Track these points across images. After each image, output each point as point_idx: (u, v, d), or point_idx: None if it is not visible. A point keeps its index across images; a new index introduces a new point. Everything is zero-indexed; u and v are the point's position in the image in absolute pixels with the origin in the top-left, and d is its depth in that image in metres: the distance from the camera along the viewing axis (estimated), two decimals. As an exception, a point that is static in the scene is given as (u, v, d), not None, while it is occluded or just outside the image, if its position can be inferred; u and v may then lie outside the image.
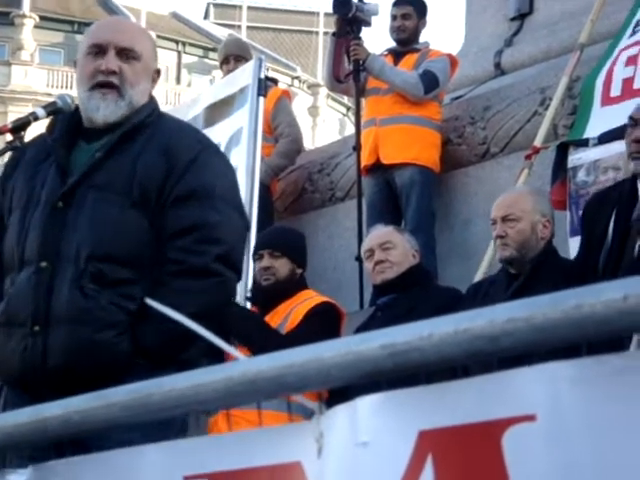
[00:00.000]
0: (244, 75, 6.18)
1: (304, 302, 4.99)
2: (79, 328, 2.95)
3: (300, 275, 5.16)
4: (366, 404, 1.33)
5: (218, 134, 5.86)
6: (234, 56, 7.26)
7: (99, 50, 3.16)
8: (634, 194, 4.13)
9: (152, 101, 3.27)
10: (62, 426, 1.58)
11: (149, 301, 1.86)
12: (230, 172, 3.28)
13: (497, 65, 7.40)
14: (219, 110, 6.14)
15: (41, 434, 1.58)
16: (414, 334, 1.24)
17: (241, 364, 1.40)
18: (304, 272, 5.22)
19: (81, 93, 3.20)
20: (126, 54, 3.16)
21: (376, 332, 1.29)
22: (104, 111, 3.14)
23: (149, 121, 3.18)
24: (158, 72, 3.31)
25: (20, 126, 3.62)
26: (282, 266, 5.06)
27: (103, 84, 3.14)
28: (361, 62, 6.67)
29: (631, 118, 4.27)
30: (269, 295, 5.05)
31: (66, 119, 3.23)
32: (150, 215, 3.04)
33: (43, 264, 3.03)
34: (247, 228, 3.26)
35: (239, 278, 3.19)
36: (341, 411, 1.36)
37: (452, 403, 1.26)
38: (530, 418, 1.19)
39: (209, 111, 6.21)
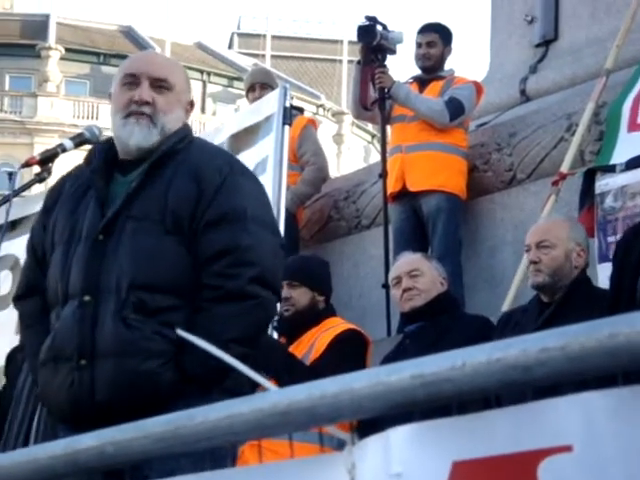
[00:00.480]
0: (269, 104, 6.20)
1: (328, 330, 4.97)
2: (124, 360, 2.97)
3: (325, 302, 5.13)
4: (399, 435, 1.32)
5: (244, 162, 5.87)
6: (260, 84, 7.29)
7: (133, 80, 3.22)
8: None
9: (185, 127, 3.31)
10: (96, 458, 1.58)
11: (180, 332, 1.86)
12: (260, 192, 3.29)
13: (522, 92, 7.39)
14: (244, 138, 6.16)
15: (75, 466, 1.58)
16: (445, 364, 1.23)
17: (272, 395, 1.39)
18: (328, 299, 5.19)
19: (115, 122, 3.24)
20: (159, 84, 3.21)
21: (407, 362, 1.29)
22: (137, 136, 3.18)
23: (180, 147, 3.21)
24: (192, 103, 3.35)
25: (48, 158, 3.66)
26: (301, 296, 5.04)
27: (136, 113, 3.18)
28: (386, 90, 6.68)
29: None
30: (291, 325, 5.03)
31: (103, 150, 3.27)
32: (186, 241, 3.07)
33: (86, 298, 3.05)
34: (282, 246, 3.25)
35: (279, 297, 3.20)
36: (373, 442, 1.36)
37: (486, 434, 1.25)
38: (566, 449, 1.18)
39: (233, 139, 6.23)
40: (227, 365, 1.48)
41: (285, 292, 5.00)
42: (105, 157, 3.24)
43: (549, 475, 1.20)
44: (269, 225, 3.18)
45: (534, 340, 1.18)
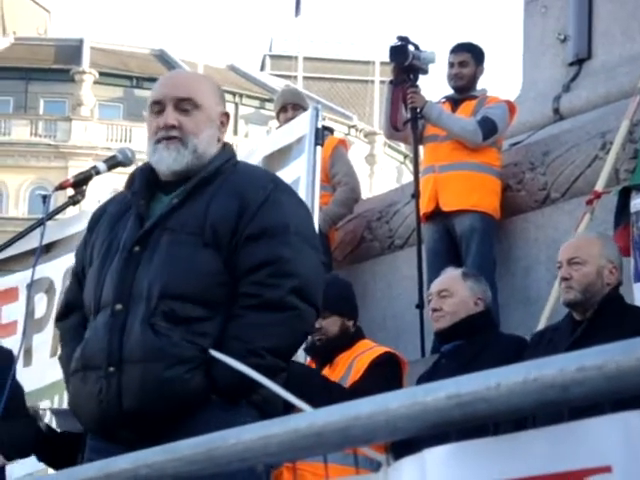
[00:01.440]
0: (301, 125, 6.20)
1: (366, 352, 4.94)
2: (151, 366, 2.96)
3: (354, 326, 5.11)
4: (435, 456, 1.31)
5: None
6: (292, 105, 7.30)
7: (158, 106, 3.22)
8: None
9: (228, 149, 3.31)
10: (129, 480, 1.58)
11: (213, 352, 1.85)
12: (303, 210, 3.30)
13: (556, 110, 7.37)
14: (277, 160, 6.16)
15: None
16: (481, 384, 1.21)
17: (307, 416, 1.38)
18: (357, 322, 5.17)
19: (148, 150, 3.26)
20: (184, 105, 3.19)
21: (442, 382, 1.27)
22: (167, 160, 3.19)
23: (224, 168, 3.22)
24: (227, 115, 3.34)
25: (81, 180, 3.66)
26: (331, 325, 5.01)
27: (165, 138, 3.19)
28: (418, 110, 6.68)
29: None
30: (324, 352, 5.02)
31: (144, 173, 3.28)
32: (224, 255, 3.07)
33: (118, 306, 3.06)
34: (324, 264, 3.24)
35: (317, 312, 3.18)
36: (409, 463, 1.34)
37: (523, 454, 1.23)
38: (606, 470, 1.16)
39: (267, 161, 6.23)
40: (257, 381, 1.47)
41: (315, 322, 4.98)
42: (146, 179, 3.26)
43: (588, 496, 1.18)
44: (311, 241, 3.17)
45: (571, 359, 1.16)
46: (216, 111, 3.28)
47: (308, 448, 1.37)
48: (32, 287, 6.93)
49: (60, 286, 6.67)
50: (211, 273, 3.06)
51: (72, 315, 3.29)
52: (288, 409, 2.49)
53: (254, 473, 1.55)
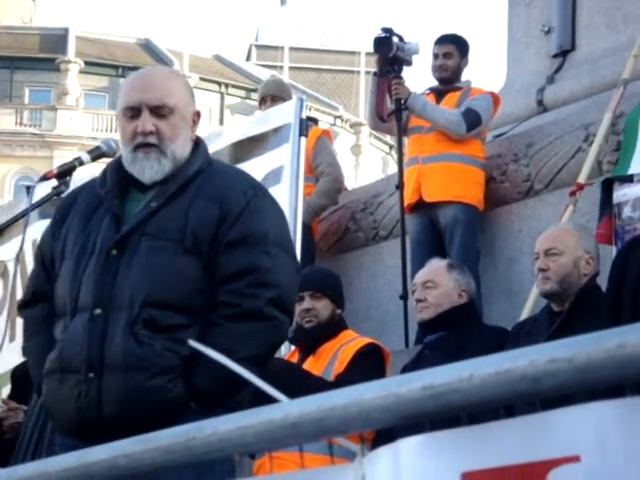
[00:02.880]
0: (280, 115, 6.18)
1: (350, 343, 4.96)
2: (133, 375, 2.97)
3: (340, 316, 5.15)
4: (408, 446, 1.32)
5: (249, 172, 5.83)
6: (271, 96, 7.30)
7: (133, 113, 3.19)
8: None
9: (202, 148, 3.30)
10: (108, 470, 1.59)
11: (192, 342, 1.86)
12: (281, 216, 3.31)
13: (539, 102, 7.39)
14: (248, 147, 6.11)
15: (86, 478, 1.59)
16: (454, 375, 1.23)
17: (282, 407, 1.40)
18: (342, 312, 5.21)
19: (125, 155, 3.23)
20: (159, 111, 3.18)
21: (416, 373, 1.29)
22: (149, 172, 3.17)
23: (202, 169, 3.22)
24: (198, 114, 3.32)
25: (65, 171, 3.69)
26: (324, 308, 5.05)
27: (143, 145, 3.17)
28: (403, 101, 6.69)
29: None
30: (312, 337, 5.03)
31: (115, 170, 3.26)
32: (204, 262, 3.07)
33: (97, 311, 3.05)
34: (298, 271, 3.27)
35: (291, 321, 3.22)
36: (383, 453, 1.36)
37: (495, 444, 1.25)
38: (575, 459, 1.18)
39: (235, 148, 6.18)
40: (237, 382, 1.48)
41: (308, 303, 5.01)
42: (118, 175, 3.24)
43: (558, 486, 1.20)
44: (288, 249, 3.20)
45: (542, 351, 1.18)
46: (189, 111, 3.26)
47: (284, 438, 1.39)
48: None
49: (12, 269, 6.63)
50: (191, 280, 3.06)
51: (39, 304, 3.27)
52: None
53: (231, 463, 1.58)
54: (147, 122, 3.16)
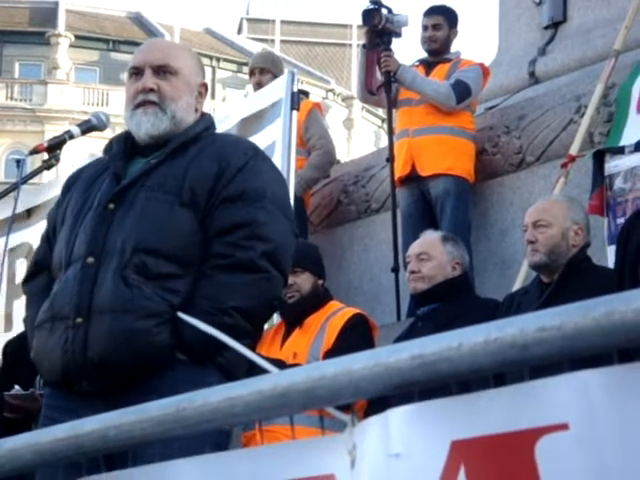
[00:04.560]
0: (275, 89, 6.19)
1: (337, 314, 4.97)
2: (120, 317, 2.96)
3: (322, 286, 5.15)
4: (398, 415, 1.32)
5: None
6: (259, 69, 7.29)
7: (137, 72, 3.24)
8: None
9: (208, 117, 3.34)
10: (99, 441, 1.59)
11: (181, 315, 1.86)
12: (281, 180, 3.33)
13: (531, 74, 7.37)
14: (251, 124, 6.15)
15: (77, 449, 1.59)
16: (443, 344, 1.23)
17: (272, 378, 1.40)
18: (324, 282, 5.21)
19: (125, 115, 3.27)
20: (162, 71, 3.22)
21: (405, 343, 1.29)
22: (145, 124, 3.20)
23: (203, 135, 3.25)
24: (205, 86, 3.36)
25: (56, 145, 3.67)
26: (305, 281, 5.05)
27: (144, 102, 3.20)
28: (392, 73, 6.67)
29: None
30: (296, 311, 5.04)
31: (121, 138, 3.30)
32: (200, 216, 3.08)
33: (90, 260, 3.06)
34: (295, 234, 3.26)
35: (285, 280, 3.20)
36: (373, 423, 1.36)
37: (484, 413, 1.25)
38: (563, 427, 1.18)
39: (242, 124, 6.23)
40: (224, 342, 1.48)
41: (289, 279, 5.00)
42: (124, 144, 3.28)
43: (546, 453, 1.20)
44: (285, 210, 3.19)
45: (531, 320, 1.18)
46: (195, 80, 3.29)
47: (273, 409, 1.39)
48: (14, 252, 6.94)
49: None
50: (186, 232, 3.07)
51: (39, 276, 3.29)
52: (251, 373, 2.52)
53: (222, 434, 1.58)
54: (148, 80, 3.20)
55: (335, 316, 4.96)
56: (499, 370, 1.24)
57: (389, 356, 1.27)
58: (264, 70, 7.22)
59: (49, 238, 3.33)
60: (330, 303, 5.10)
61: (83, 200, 3.22)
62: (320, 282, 5.13)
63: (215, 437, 2.78)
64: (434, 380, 1.26)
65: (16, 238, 6.94)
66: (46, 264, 3.27)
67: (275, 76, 6.89)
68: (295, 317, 5.03)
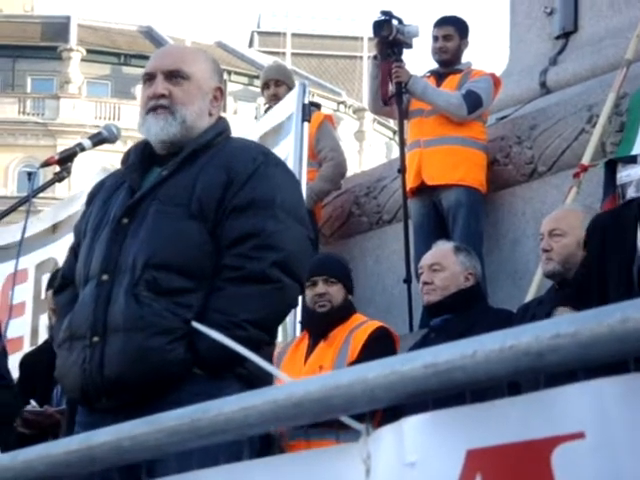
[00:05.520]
0: (289, 102, 6.21)
1: (360, 327, 4.99)
2: (133, 335, 2.97)
3: (350, 301, 5.19)
4: (412, 424, 1.32)
5: None
6: (274, 81, 7.30)
7: (150, 78, 3.23)
8: None
9: (222, 122, 3.31)
10: (112, 453, 1.59)
11: (195, 324, 1.86)
12: (293, 184, 3.30)
13: (542, 84, 7.37)
14: (270, 139, 6.18)
15: (90, 461, 1.59)
16: (458, 353, 1.23)
17: (287, 387, 1.39)
18: (352, 298, 5.25)
19: (139, 121, 3.28)
20: (174, 76, 3.20)
21: (420, 351, 1.28)
22: (155, 129, 3.19)
23: (216, 141, 3.22)
24: (220, 90, 3.32)
25: (67, 157, 3.67)
26: (337, 292, 5.10)
27: (155, 107, 3.20)
28: (403, 84, 6.67)
29: None
30: (325, 322, 5.05)
31: (139, 148, 3.30)
32: (210, 227, 3.07)
33: (104, 277, 3.07)
34: (311, 240, 3.24)
35: (302, 288, 3.18)
36: (388, 432, 1.36)
37: (500, 422, 1.25)
38: (579, 436, 1.18)
39: (261, 141, 6.25)
40: (241, 354, 1.48)
41: (322, 288, 5.04)
42: (142, 154, 3.27)
43: (562, 462, 1.20)
44: (297, 215, 3.16)
45: (545, 327, 1.18)
46: (209, 85, 3.27)
47: (288, 418, 1.38)
48: (40, 268, 6.96)
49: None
50: (196, 244, 3.05)
51: (67, 289, 3.31)
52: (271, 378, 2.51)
53: (238, 445, 1.57)
54: (159, 85, 3.20)
55: (359, 329, 4.98)
56: (514, 378, 1.24)
57: (404, 364, 1.27)
58: (279, 82, 7.23)
59: (75, 251, 3.35)
60: (354, 316, 5.13)
61: (102, 214, 3.23)
62: (349, 297, 5.18)
63: (231, 447, 2.77)
64: (449, 388, 1.25)
65: (42, 254, 6.98)
66: (72, 277, 3.29)
67: (290, 88, 6.90)
68: (322, 328, 5.05)
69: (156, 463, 1.83)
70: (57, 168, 3.71)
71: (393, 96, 6.76)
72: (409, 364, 1.27)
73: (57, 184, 3.87)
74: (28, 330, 6.93)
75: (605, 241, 4.00)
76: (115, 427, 1.58)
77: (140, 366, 2.96)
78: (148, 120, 3.21)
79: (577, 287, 4.13)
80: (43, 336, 6.49)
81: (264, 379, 2.89)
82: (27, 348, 6.74)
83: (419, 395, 1.28)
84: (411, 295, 6.49)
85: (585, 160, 5.99)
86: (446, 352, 1.24)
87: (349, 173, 7.94)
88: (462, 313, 4.95)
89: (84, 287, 3.14)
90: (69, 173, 3.69)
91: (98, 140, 3.76)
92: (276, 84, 7.23)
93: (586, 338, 1.13)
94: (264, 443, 2.83)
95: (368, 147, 45.30)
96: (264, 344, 3.03)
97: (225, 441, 1.50)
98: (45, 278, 6.78)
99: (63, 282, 3.35)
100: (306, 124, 6.18)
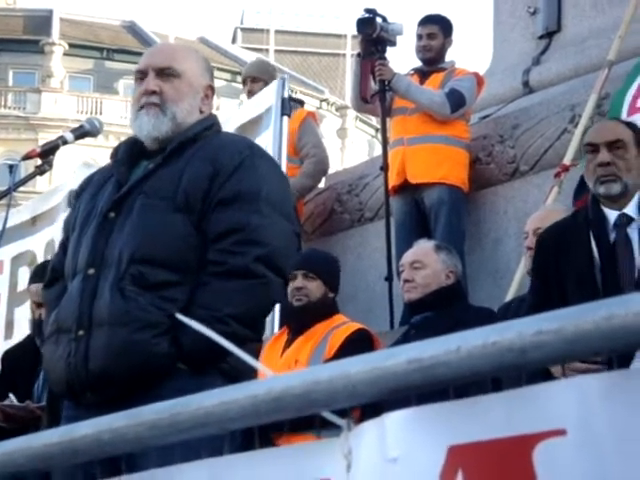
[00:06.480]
0: (268, 95, 6.20)
1: (341, 327, 4.99)
2: (118, 329, 2.97)
3: (332, 299, 5.17)
4: (394, 420, 1.31)
5: None
6: (250, 77, 7.31)
7: (141, 75, 3.24)
8: (602, 216, 4.00)
9: (210, 117, 3.31)
10: (93, 445, 1.58)
11: (179, 316, 1.86)
12: (279, 177, 3.29)
13: (525, 83, 7.38)
14: (248, 130, 6.16)
15: (71, 453, 1.58)
16: (441, 348, 1.22)
17: (267, 381, 1.39)
18: (336, 297, 5.23)
19: (130, 117, 3.30)
20: (165, 73, 3.22)
21: (402, 347, 1.28)
22: (147, 126, 3.20)
23: (204, 135, 3.23)
24: (211, 88, 3.33)
25: (49, 150, 3.65)
26: (316, 288, 5.08)
27: (146, 105, 3.20)
28: (387, 82, 6.67)
29: (590, 144, 4.08)
30: (300, 316, 5.04)
31: (128, 144, 3.31)
32: (196, 220, 3.06)
33: (90, 271, 3.08)
34: (296, 234, 3.23)
35: (286, 282, 3.18)
36: (369, 427, 1.35)
37: (482, 418, 1.24)
38: (560, 432, 1.17)
39: (239, 132, 6.24)
40: (224, 348, 1.47)
41: (300, 282, 5.03)
42: (131, 149, 3.28)
43: (544, 459, 1.19)
44: (283, 210, 3.15)
45: (529, 323, 1.17)
46: (200, 82, 3.28)
47: (269, 413, 1.38)
48: (16, 260, 6.93)
49: (42, 259, 6.65)
50: (181, 237, 3.05)
51: (56, 283, 3.31)
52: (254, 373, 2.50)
53: (218, 439, 1.57)
54: (151, 82, 3.21)
55: (339, 328, 4.98)
56: (497, 374, 1.23)
57: (386, 360, 1.26)
58: (256, 79, 7.23)
59: (65, 245, 3.34)
60: (336, 316, 5.12)
61: (89, 208, 3.23)
62: (331, 295, 5.16)
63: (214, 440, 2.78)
64: (431, 384, 1.25)
65: (20, 246, 6.96)
66: (62, 271, 3.29)
67: (267, 84, 6.89)
68: (299, 323, 5.04)
69: (137, 456, 1.83)
70: (38, 161, 3.70)
71: (376, 94, 6.76)
72: (391, 359, 1.26)
73: (38, 178, 3.85)
74: (2, 323, 6.90)
75: (558, 251, 4.01)
76: (95, 420, 1.57)
77: (124, 360, 2.96)
78: (139, 117, 3.22)
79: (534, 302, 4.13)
80: (19, 329, 6.46)
81: (248, 374, 2.88)
82: (0, 341, 6.71)
83: (401, 391, 1.28)
84: (392, 293, 6.49)
85: (567, 160, 6.01)
86: (429, 348, 1.24)
87: (331, 170, 7.93)
88: (443, 311, 4.95)
89: (72, 281, 3.15)
90: (51, 166, 3.67)
91: (80, 133, 3.75)
92: (252, 81, 7.23)
93: (570, 335, 1.13)
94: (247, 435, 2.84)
95: (350, 144, 45.32)
96: (249, 340, 3.03)
97: (206, 435, 1.49)
98: (22, 271, 6.76)
99: (53, 276, 3.35)
100: (285, 118, 6.17)
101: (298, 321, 5.05)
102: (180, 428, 1.45)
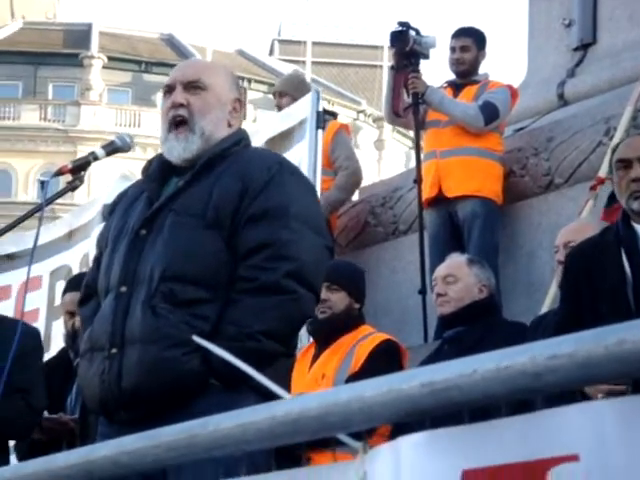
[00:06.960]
0: (301, 108, 6.21)
1: (367, 339, 4.95)
2: (149, 347, 2.99)
3: (358, 310, 5.13)
4: (409, 443, 1.31)
5: None
6: (278, 92, 7.35)
7: (169, 89, 3.26)
8: (632, 233, 3.96)
9: (239, 132, 3.32)
10: (111, 467, 1.58)
11: (196, 338, 1.86)
12: (309, 192, 3.29)
13: (560, 96, 7.35)
14: (278, 143, 6.16)
15: (90, 475, 1.58)
16: (455, 372, 1.22)
17: (285, 404, 1.39)
18: (362, 307, 5.19)
19: (160, 137, 3.31)
20: (193, 86, 3.23)
21: (418, 370, 1.27)
22: (177, 150, 3.21)
23: (233, 150, 3.23)
24: (240, 102, 3.34)
25: (80, 166, 3.68)
26: (339, 300, 5.04)
27: (175, 121, 3.21)
28: (420, 95, 6.66)
29: (622, 160, 4.04)
30: (325, 329, 5.02)
31: (161, 159, 3.31)
32: (226, 236, 3.07)
33: (123, 289, 3.10)
34: (328, 248, 3.21)
35: (317, 297, 3.17)
36: (384, 450, 1.35)
37: (496, 442, 1.24)
38: (574, 458, 1.16)
39: (269, 144, 6.24)
40: (256, 362, 1.46)
41: (323, 294, 5.00)
42: (162, 164, 3.29)
43: (558, 484, 1.18)
44: (313, 224, 3.14)
45: (543, 347, 1.16)
46: (227, 96, 3.28)
47: (286, 435, 1.38)
48: (54, 274, 6.97)
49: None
50: (212, 254, 3.06)
51: (91, 300, 3.33)
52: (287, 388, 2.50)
53: (236, 460, 1.56)
54: (178, 95, 3.22)
55: (365, 340, 4.94)
56: (511, 398, 1.23)
57: (401, 383, 1.26)
58: (282, 93, 7.25)
59: (99, 261, 3.36)
60: (362, 327, 5.07)
61: (121, 224, 3.25)
62: (356, 306, 5.11)
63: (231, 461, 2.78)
64: (445, 407, 1.24)
65: (57, 260, 7.00)
66: (96, 287, 3.31)
67: (295, 99, 6.88)
68: (324, 335, 5.01)
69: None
70: (70, 177, 3.72)
71: (410, 106, 6.75)
72: (406, 382, 1.26)
73: (69, 192, 3.87)
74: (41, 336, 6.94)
75: (588, 269, 3.97)
76: (114, 442, 1.57)
77: (155, 377, 2.97)
78: (169, 141, 3.23)
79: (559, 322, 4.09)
80: (55, 343, 6.50)
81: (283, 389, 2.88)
82: None
83: (416, 414, 1.27)
84: (426, 306, 6.47)
85: (602, 173, 5.97)
86: (443, 371, 1.23)
87: (368, 182, 7.93)
88: (475, 325, 4.93)
89: (105, 298, 3.17)
90: (82, 182, 3.70)
91: (111, 149, 3.77)
92: (280, 95, 7.26)
93: (583, 359, 1.12)
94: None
95: (387, 156, 45.30)
96: (280, 355, 3.03)
97: (223, 455, 1.49)
98: (59, 285, 6.80)
99: (87, 292, 3.37)
100: (320, 131, 6.17)
101: (323, 334, 5.02)
102: (197, 450, 1.45)
